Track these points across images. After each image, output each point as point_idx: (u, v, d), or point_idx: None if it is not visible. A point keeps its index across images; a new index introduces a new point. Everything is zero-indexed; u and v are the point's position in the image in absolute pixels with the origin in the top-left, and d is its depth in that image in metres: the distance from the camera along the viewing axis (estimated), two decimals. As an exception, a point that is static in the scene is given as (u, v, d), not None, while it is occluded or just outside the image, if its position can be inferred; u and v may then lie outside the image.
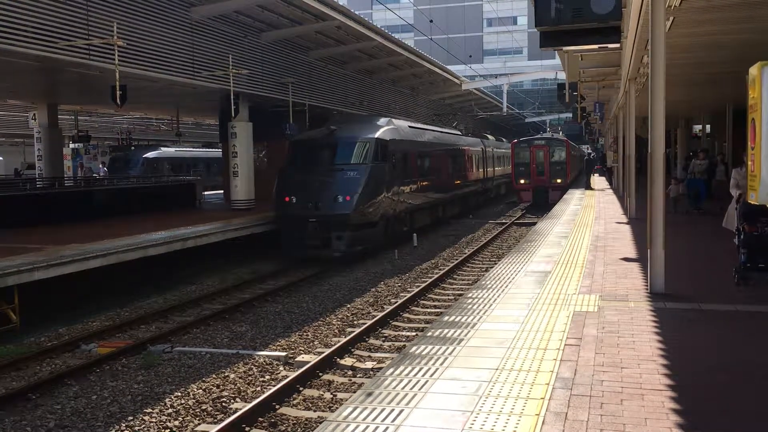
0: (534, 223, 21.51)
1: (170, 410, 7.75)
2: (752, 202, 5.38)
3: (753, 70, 5.49)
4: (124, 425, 7.36)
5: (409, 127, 22.84)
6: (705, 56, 13.14)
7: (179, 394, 8.25)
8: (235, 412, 7.49)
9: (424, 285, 14.00)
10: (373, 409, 4.68)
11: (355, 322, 11.65)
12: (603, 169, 40.16)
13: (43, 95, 22.89)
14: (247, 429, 7.09)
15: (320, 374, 8.83)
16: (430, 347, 6.13)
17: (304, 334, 10.97)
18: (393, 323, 11.49)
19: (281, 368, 9.27)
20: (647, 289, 8.33)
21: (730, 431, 4.23)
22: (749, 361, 5.57)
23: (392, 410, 4.65)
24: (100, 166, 35.18)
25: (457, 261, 17.05)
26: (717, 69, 14.80)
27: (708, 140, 29.57)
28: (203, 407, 7.83)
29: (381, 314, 11.63)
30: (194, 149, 44.82)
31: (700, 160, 17.54)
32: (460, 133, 32.04)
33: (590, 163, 35.78)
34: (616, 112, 26.63)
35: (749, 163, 5.39)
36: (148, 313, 12.55)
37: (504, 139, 45.80)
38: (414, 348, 6.14)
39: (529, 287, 8.79)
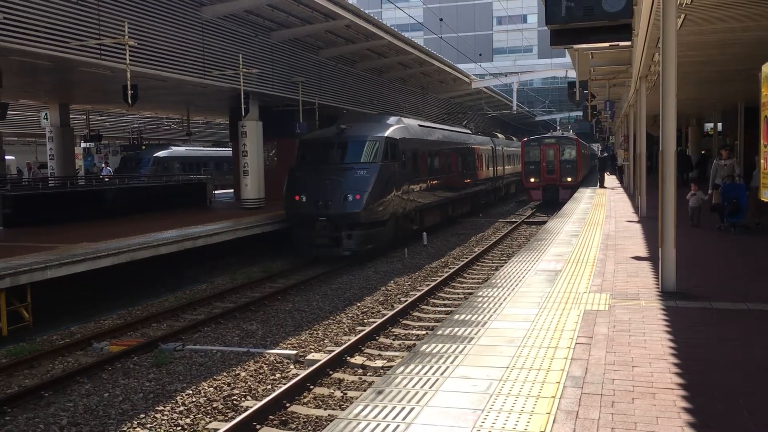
0: (544, 222, 21.47)
1: (182, 408, 7.78)
2: (764, 200, 5.36)
3: (766, 68, 5.47)
4: (136, 423, 7.41)
5: (419, 125, 22.83)
6: (716, 54, 13.07)
7: (190, 392, 8.29)
8: (246, 410, 7.52)
9: (434, 284, 14.00)
10: (384, 407, 4.68)
11: (366, 321, 11.66)
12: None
13: (55, 95, 23.04)
14: (258, 427, 7.11)
15: (331, 373, 8.85)
16: (440, 346, 6.13)
17: (315, 332, 11.00)
18: (403, 322, 11.50)
19: (292, 366, 9.30)
20: (658, 288, 8.30)
21: (742, 430, 4.21)
22: (761, 360, 5.54)
23: (403, 408, 4.65)
24: (104, 165, 35.30)
25: (467, 260, 17.02)
26: (728, 67, 14.70)
27: (720, 139, 29.39)
28: (214, 405, 7.86)
29: (391, 313, 11.63)
30: (205, 148, 44.99)
31: (725, 160, 14.34)
32: (470, 131, 32.00)
33: (603, 161, 35.55)
34: (627, 111, 26.52)
35: (762, 161, 5.37)
36: (160, 311, 12.61)
37: (514, 138, 45.71)
38: (424, 346, 6.14)
39: (540, 286, 8.77)
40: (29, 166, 34.96)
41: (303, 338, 10.66)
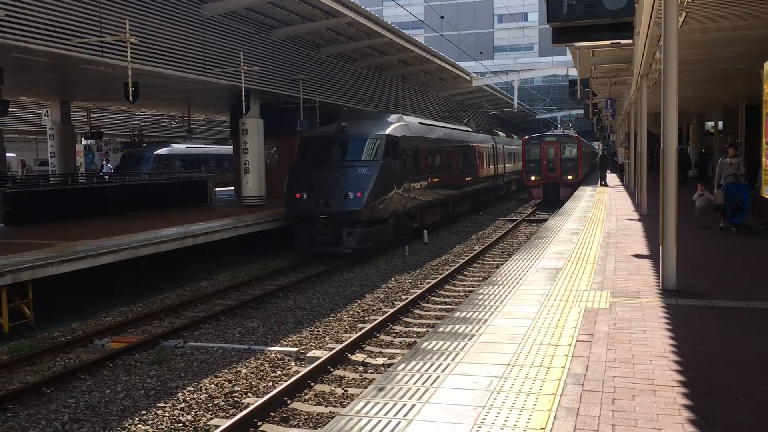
0: (545, 220, 21.47)
1: (183, 405, 7.80)
2: (765, 197, 5.37)
3: (767, 66, 5.48)
4: (137, 419, 7.43)
5: (420, 123, 22.83)
6: (717, 52, 13.07)
7: (192, 388, 8.30)
8: (247, 406, 7.54)
9: (434, 281, 14.01)
10: (385, 404, 4.70)
11: (366, 318, 11.67)
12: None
13: (56, 92, 23.04)
14: (259, 424, 7.12)
15: (331, 370, 8.86)
16: (441, 343, 6.14)
17: (315, 329, 11.01)
18: (404, 319, 11.51)
19: (292, 364, 9.31)
20: (659, 286, 8.31)
21: (742, 428, 4.22)
22: (761, 358, 5.55)
23: (404, 405, 4.66)
24: (104, 163, 35.27)
25: (467, 257, 17.03)
26: (729, 65, 14.70)
27: (721, 137, 29.38)
28: (215, 402, 7.88)
29: (392, 310, 11.65)
30: (205, 146, 44.99)
31: (731, 158, 13.62)
32: (470, 129, 31.99)
33: (604, 159, 35.56)
34: (628, 109, 26.51)
35: (763, 159, 5.38)
36: (161, 308, 12.62)
37: (515, 136, 45.69)
38: (425, 344, 6.15)
39: (541, 284, 8.79)
40: (23, 163, 34.95)
41: (304, 335, 10.67)
